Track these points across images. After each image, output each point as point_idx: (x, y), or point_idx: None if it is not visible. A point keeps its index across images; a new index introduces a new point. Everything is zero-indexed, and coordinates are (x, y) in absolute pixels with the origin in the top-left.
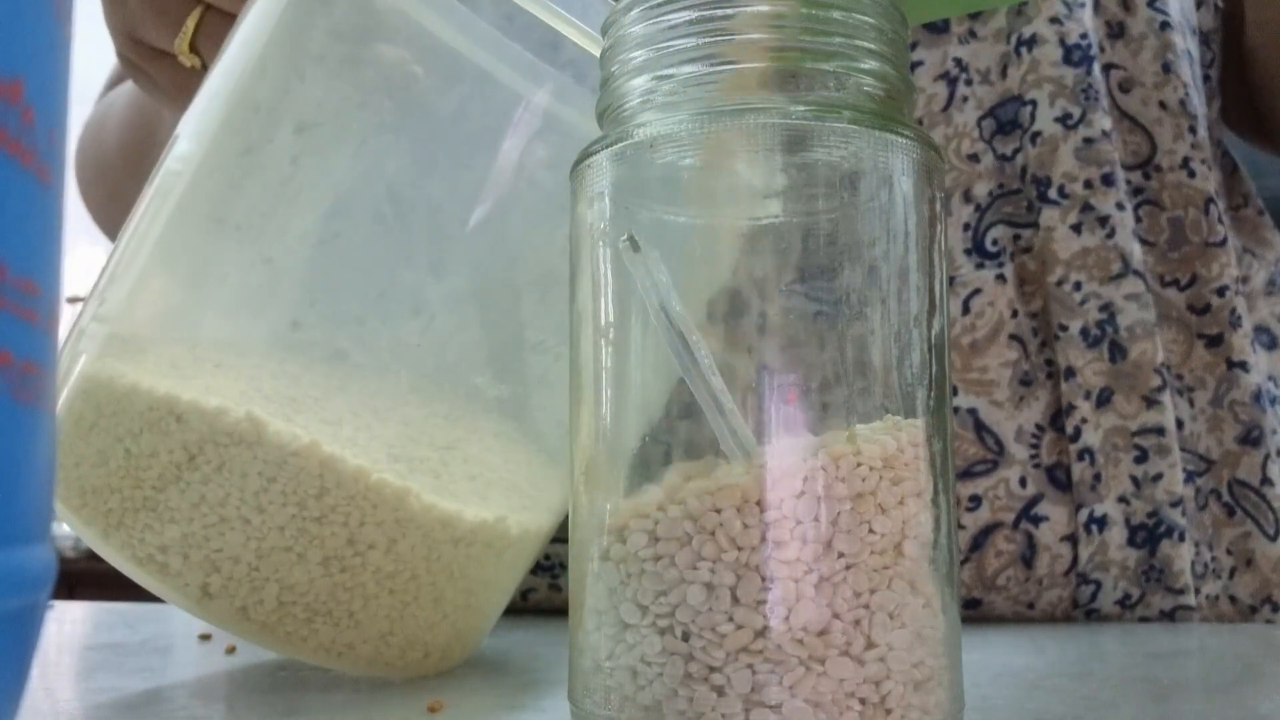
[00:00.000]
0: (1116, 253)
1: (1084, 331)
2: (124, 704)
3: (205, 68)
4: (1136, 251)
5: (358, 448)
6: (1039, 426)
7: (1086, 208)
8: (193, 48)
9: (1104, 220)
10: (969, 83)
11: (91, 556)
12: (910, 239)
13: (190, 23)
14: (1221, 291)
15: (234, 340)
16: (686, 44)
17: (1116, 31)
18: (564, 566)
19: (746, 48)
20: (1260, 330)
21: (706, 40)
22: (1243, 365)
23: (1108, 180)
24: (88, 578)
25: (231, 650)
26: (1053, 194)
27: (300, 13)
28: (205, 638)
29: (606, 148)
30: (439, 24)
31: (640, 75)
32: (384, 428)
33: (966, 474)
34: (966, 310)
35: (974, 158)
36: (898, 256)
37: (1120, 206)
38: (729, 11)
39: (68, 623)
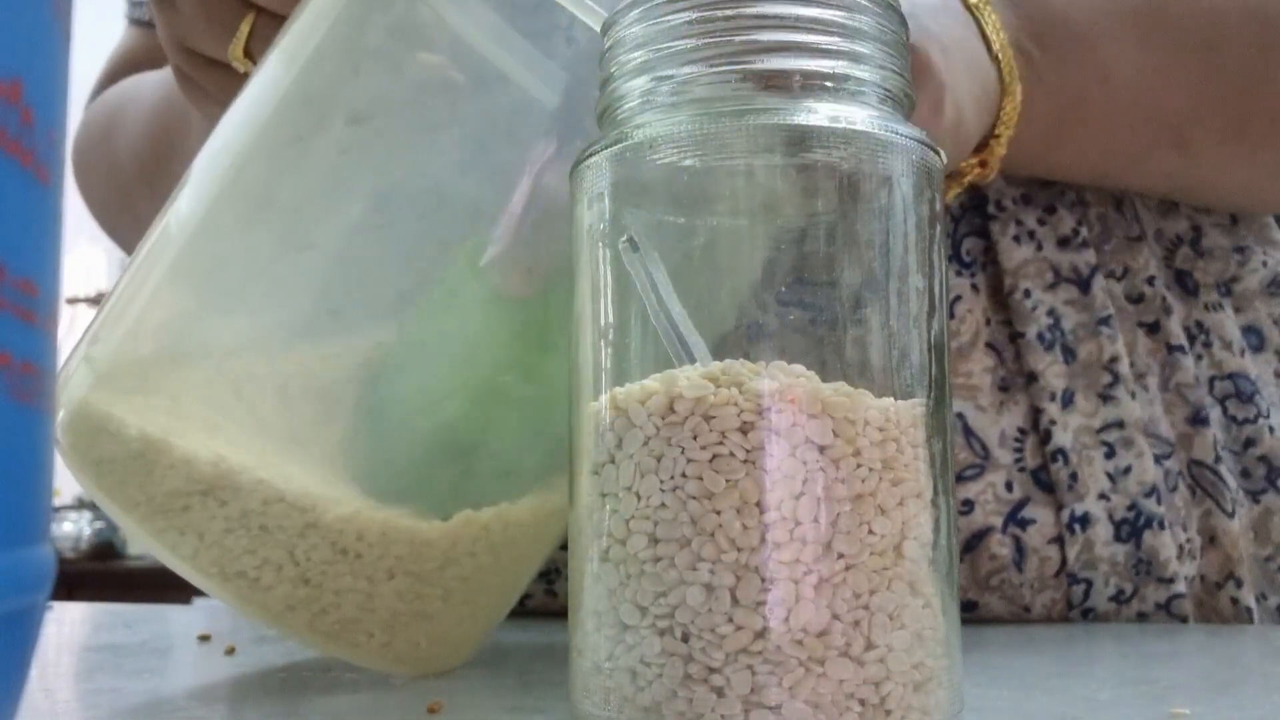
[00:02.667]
0: (1047, 263)
1: (1040, 336)
2: (123, 705)
3: None
4: (1066, 261)
5: (352, 488)
6: (1020, 430)
7: (1018, 222)
8: (246, 53)
9: (1031, 234)
10: None
11: (91, 558)
12: (910, 240)
13: (244, 28)
14: (1151, 281)
15: (256, 337)
16: (686, 45)
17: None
18: (560, 573)
19: (746, 48)
20: (1249, 331)
21: (705, 41)
22: (1181, 349)
23: (1026, 199)
24: (87, 579)
25: (231, 651)
26: (991, 208)
27: (359, 8)
28: (204, 639)
29: (606, 149)
30: (481, 37)
31: (640, 76)
32: (393, 454)
33: (958, 478)
34: (952, 315)
35: None
36: (897, 257)
37: (1041, 222)
38: (729, 13)
39: (67, 624)
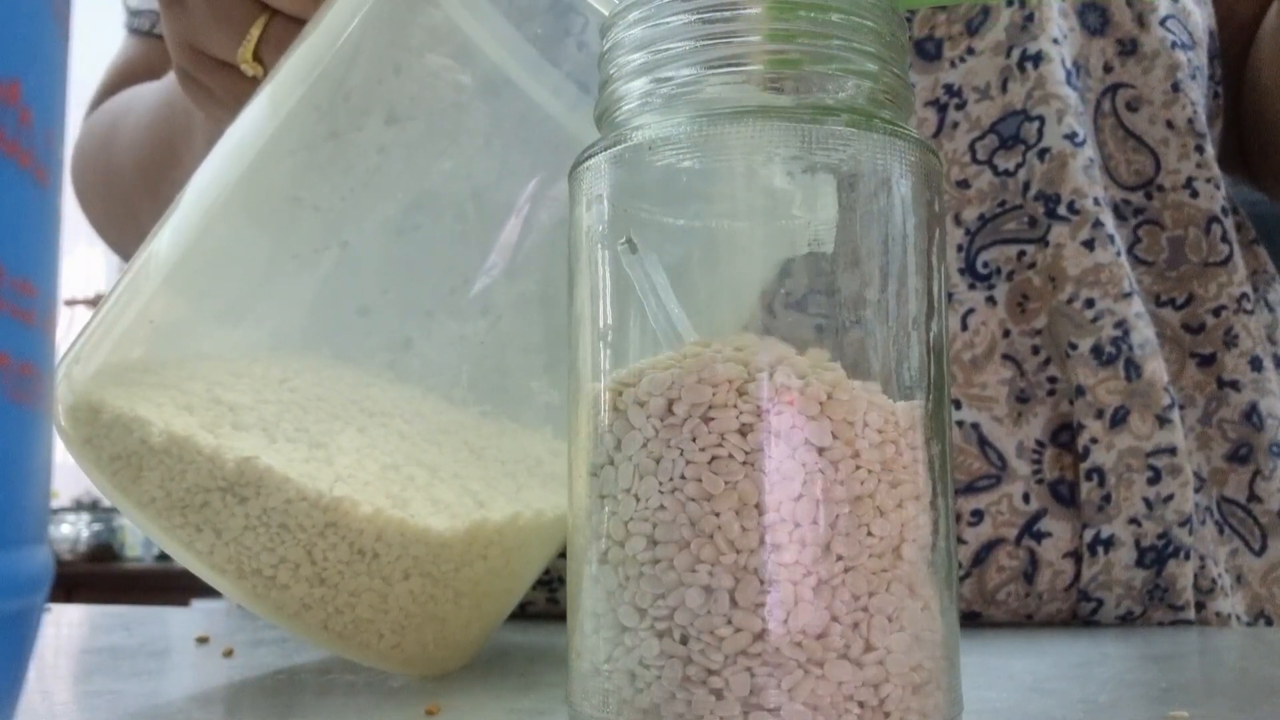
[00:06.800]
0: (1125, 270)
1: (1096, 349)
2: (121, 707)
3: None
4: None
5: (371, 489)
6: (1039, 442)
7: (1097, 224)
8: (256, 56)
9: (1113, 238)
10: (960, 107)
11: (90, 560)
12: (909, 241)
13: (255, 30)
14: (1218, 311)
15: (276, 336)
16: (685, 47)
17: (1129, 49)
18: (562, 581)
19: (746, 50)
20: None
21: (705, 44)
22: (1234, 385)
23: (1109, 201)
24: (85, 581)
25: (229, 654)
26: (1062, 210)
27: (401, 7)
28: (203, 641)
29: (605, 150)
30: (519, 49)
31: (639, 78)
32: (415, 461)
33: (970, 489)
34: (965, 327)
35: (964, 183)
36: (896, 259)
37: (1119, 228)
38: (727, 15)
39: (65, 625)
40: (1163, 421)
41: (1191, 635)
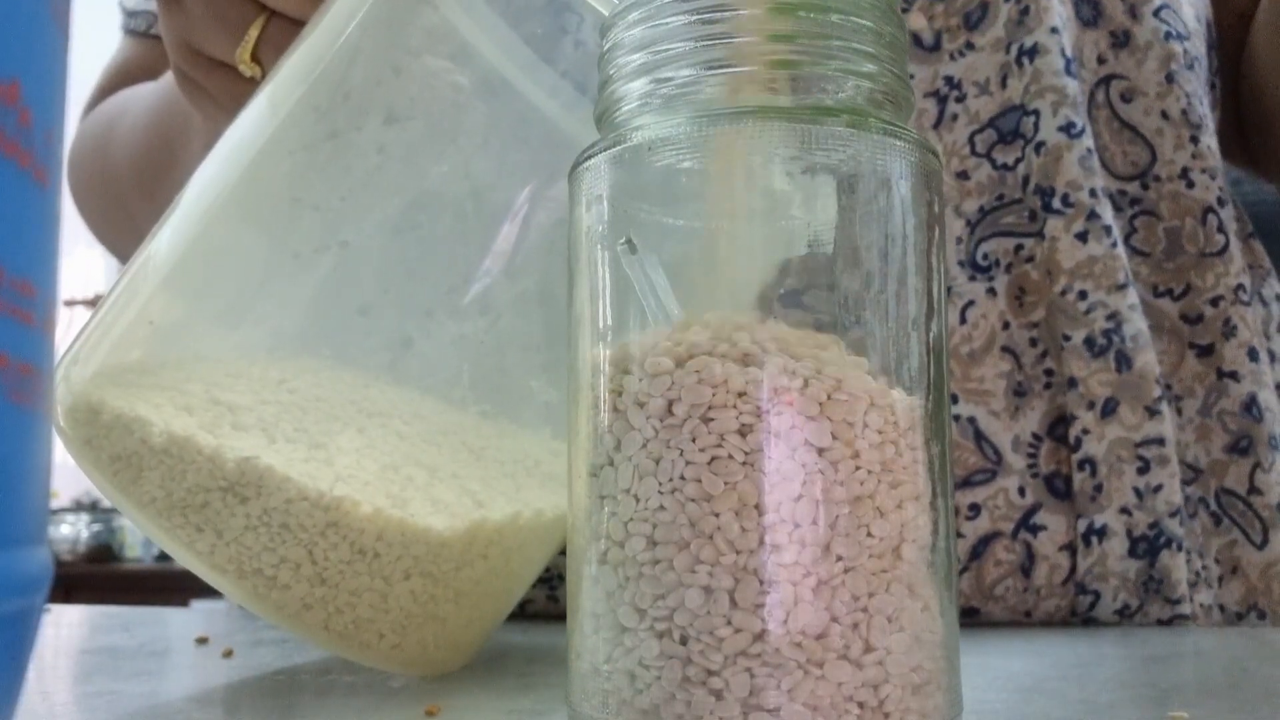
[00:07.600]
0: (1120, 262)
1: (1088, 341)
2: (120, 708)
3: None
4: (1129, 263)
5: (371, 489)
6: (1036, 436)
7: (1092, 215)
8: (254, 57)
9: (1109, 229)
10: (960, 100)
11: (89, 560)
12: (908, 242)
13: (253, 31)
14: (1215, 301)
15: (276, 336)
16: (684, 48)
17: (1122, 41)
18: (562, 578)
19: (746, 51)
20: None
21: (704, 44)
22: (1233, 375)
23: (1106, 192)
24: (85, 581)
25: (228, 654)
26: (1056, 203)
27: (399, 8)
28: (202, 641)
29: (604, 151)
30: (506, 57)
31: (639, 78)
32: (411, 459)
33: (966, 483)
34: (964, 320)
35: (964, 175)
36: (896, 259)
37: (1115, 219)
38: (727, 15)
39: (64, 626)
40: (1152, 413)
41: (1190, 636)
